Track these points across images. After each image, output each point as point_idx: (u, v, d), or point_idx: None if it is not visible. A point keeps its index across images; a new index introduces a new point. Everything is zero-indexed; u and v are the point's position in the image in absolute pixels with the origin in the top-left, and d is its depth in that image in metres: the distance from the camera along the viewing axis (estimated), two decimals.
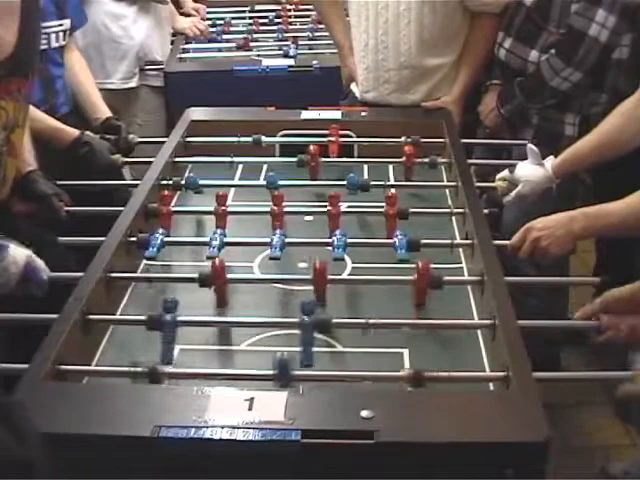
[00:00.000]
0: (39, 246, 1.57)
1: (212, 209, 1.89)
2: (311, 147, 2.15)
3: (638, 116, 1.84)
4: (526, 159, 2.05)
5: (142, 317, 1.46)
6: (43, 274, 1.53)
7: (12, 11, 1.53)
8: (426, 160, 2.17)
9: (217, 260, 1.60)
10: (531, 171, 2.01)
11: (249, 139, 2.27)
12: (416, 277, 1.57)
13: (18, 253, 1.49)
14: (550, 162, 2.00)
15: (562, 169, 1.99)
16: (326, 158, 2.19)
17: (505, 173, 2.07)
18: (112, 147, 2.24)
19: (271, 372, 1.30)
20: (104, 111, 2.46)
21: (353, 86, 2.72)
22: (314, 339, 1.42)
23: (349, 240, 1.76)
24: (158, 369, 1.32)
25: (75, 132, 2.20)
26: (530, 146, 2.06)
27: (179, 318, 1.44)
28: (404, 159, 2.14)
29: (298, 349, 1.44)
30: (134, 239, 1.76)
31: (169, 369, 1.34)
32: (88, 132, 2.25)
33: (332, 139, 2.24)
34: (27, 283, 1.50)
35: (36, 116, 2.09)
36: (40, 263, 1.53)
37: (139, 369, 1.34)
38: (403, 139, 2.24)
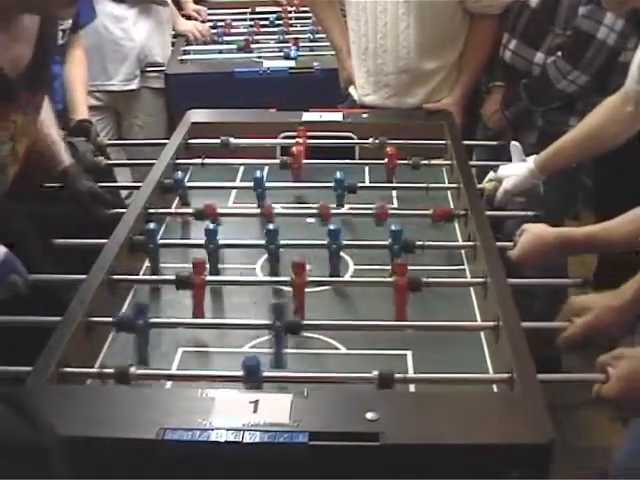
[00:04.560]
0: (17, 245, 1.59)
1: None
2: (294, 149, 2.14)
3: (623, 113, 1.85)
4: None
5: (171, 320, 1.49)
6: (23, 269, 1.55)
7: (31, 30, 1.56)
8: (409, 162, 2.17)
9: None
10: (514, 167, 2.04)
11: (217, 141, 2.27)
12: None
13: None
14: (533, 158, 2.02)
15: (546, 164, 2.00)
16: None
17: (490, 174, 2.09)
18: (95, 149, 2.23)
19: (240, 373, 1.31)
20: (81, 112, 2.45)
21: (351, 89, 2.72)
22: (286, 341, 1.42)
23: (351, 242, 1.76)
24: (126, 370, 1.33)
25: (60, 133, 2.19)
26: (514, 143, 2.09)
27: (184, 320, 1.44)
28: (386, 161, 2.14)
29: (299, 351, 1.44)
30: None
31: (137, 370, 1.34)
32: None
33: (300, 141, 2.21)
34: (7, 278, 1.52)
35: None
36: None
37: (106, 370, 1.35)
38: (370, 140, 2.25)
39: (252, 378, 1.30)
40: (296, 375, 1.37)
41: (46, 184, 1.98)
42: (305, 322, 1.49)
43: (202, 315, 1.55)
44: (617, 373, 1.34)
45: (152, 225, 1.76)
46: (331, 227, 1.72)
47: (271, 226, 1.73)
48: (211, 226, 1.73)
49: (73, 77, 2.52)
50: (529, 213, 2.01)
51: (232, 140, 2.26)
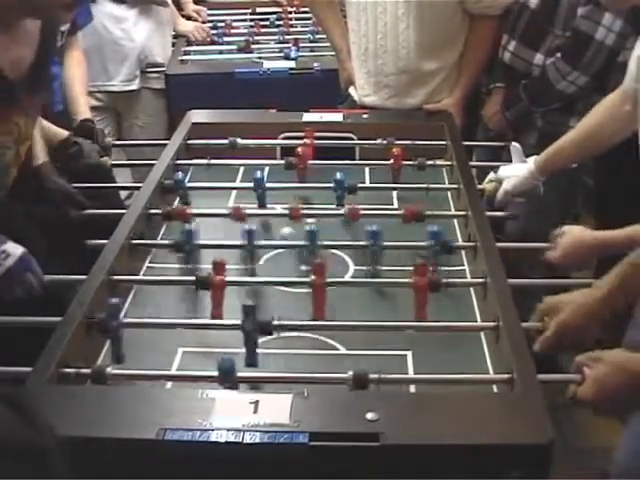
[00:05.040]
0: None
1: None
2: (299, 149, 2.14)
3: (621, 112, 1.85)
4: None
5: (144, 320, 1.47)
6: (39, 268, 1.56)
7: (32, 32, 1.57)
8: (415, 162, 2.16)
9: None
10: (514, 168, 2.05)
11: (225, 142, 2.27)
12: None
13: (14, 245, 1.54)
14: (533, 159, 2.02)
15: (546, 165, 2.00)
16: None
17: (491, 175, 2.10)
18: (100, 150, 2.23)
19: (214, 374, 1.32)
20: (83, 112, 2.45)
21: (351, 90, 2.72)
22: (257, 340, 1.42)
23: (353, 243, 1.75)
24: (102, 370, 1.33)
25: (64, 133, 2.19)
26: (514, 144, 2.10)
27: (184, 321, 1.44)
28: (392, 161, 2.14)
29: (300, 351, 1.44)
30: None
31: (112, 370, 1.35)
32: None
33: (307, 142, 2.21)
34: (23, 277, 1.53)
35: None
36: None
37: (82, 370, 1.35)
38: (379, 141, 2.25)
39: (227, 379, 1.31)
40: (270, 376, 1.38)
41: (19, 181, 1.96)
42: (305, 323, 1.50)
43: (220, 316, 1.55)
44: (593, 376, 1.32)
45: (192, 226, 1.75)
46: (373, 228, 1.72)
47: (309, 227, 1.73)
48: (247, 227, 1.74)
49: (73, 78, 2.52)
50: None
51: (235, 140, 2.26)
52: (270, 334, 1.45)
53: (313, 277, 1.56)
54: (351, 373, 1.32)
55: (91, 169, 2.12)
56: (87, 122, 2.36)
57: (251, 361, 1.41)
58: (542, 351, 1.48)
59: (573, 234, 1.72)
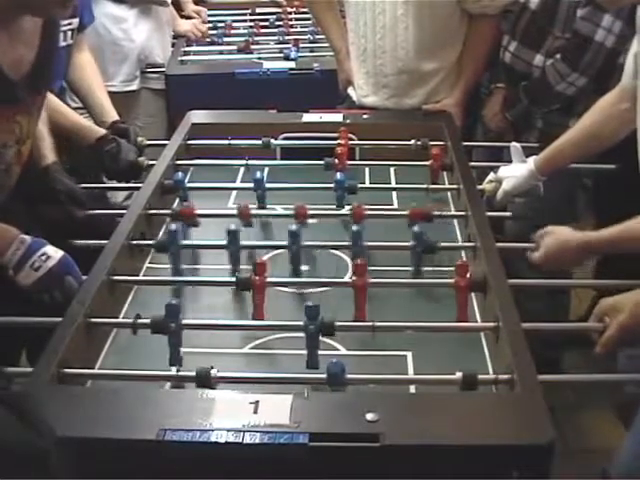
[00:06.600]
0: None
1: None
2: (338, 149, 2.14)
3: (619, 110, 1.85)
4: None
5: (146, 320, 1.47)
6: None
7: (32, 31, 1.58)
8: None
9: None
10: (514, 168, 2.05)
11: (258, 142, 2.27)
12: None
13: (54, 248, 1.56)
14: (533, 159, 2.02)
15: (546, 165, 2.00)
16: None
17: (491, 175, 2.10)
18: (137, 150, 2.23)
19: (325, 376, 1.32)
20: (112, 115, 2.45)
21: (350, 90, 2.72)
22: (319, 342, 1.41)
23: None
24: (208, 373, 1.32)
25: (101, 130, 2.19)
26: (514, 144, 2.10)
27: (183, 321, 1.44)
28: (430, 162, 2.14)
29: (301, 352, 1.44)
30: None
31: (218, 373, 1.33)
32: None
33: (342, 142, 2.22)
34: (63, 279, 1.53)
35: (60, 109, 2.09)
36: None
37: (183, 373, 1.34)
38: (413, 142, 2.24)
39: (336, 381, 1.32)
40: (381, 378, 1.38)
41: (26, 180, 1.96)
42: (363, 324, 1.51)
43: (262, 317, 1.55)
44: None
45: (174, 226, 1.75)
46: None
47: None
48: (233, 227, 1.75)
49: (89, 81, 2.48)
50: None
51: (273, 141, 2.27)
52: (332, 335, 1.44)
53: (355, 277, 1.56)
54: (460, 374, 1.32)
55: (128, 168, 2.12)
56: (119, 123, 2.35)
57: (313, 363, 1.40)
58: (606, 351, 1.50)
59: (557, 237, 1.72)
